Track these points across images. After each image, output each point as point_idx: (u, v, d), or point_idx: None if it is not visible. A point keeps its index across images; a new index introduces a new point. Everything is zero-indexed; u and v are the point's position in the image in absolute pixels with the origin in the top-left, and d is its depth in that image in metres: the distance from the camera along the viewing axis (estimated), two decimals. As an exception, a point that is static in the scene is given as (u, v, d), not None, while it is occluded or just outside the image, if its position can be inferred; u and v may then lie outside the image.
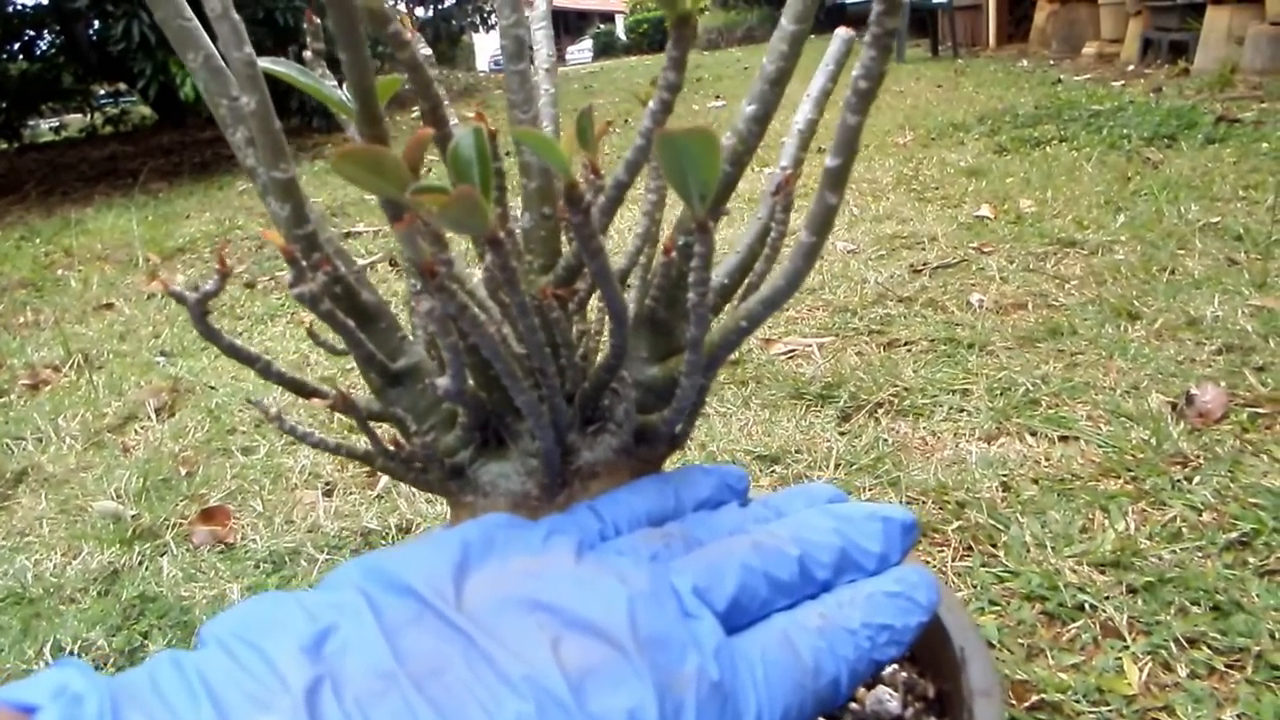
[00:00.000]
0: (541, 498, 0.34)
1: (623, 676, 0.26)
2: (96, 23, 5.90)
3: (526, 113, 0.33)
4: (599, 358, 0.34)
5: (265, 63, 0.32)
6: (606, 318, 0.36)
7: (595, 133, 0.33)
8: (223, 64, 0.32)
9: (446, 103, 0.34)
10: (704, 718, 0.26)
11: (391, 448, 0.34)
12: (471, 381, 0.33)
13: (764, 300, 0.31)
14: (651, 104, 0.28)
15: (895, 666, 0.41)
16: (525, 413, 0.31)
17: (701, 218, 0.27)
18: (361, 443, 0.37)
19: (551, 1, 0.44)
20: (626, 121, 5.08)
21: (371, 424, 0.36)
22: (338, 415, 1.38)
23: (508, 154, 0.38)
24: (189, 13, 0.31)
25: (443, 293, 0.26)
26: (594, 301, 0.41)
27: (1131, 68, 4.81)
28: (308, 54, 0.38)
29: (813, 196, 0.29)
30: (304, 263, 0.29)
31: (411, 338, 0.35)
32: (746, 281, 0.37)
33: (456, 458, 0.34)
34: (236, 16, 0.29)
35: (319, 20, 0.39)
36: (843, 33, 0.38)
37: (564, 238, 0.36)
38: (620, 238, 2.16)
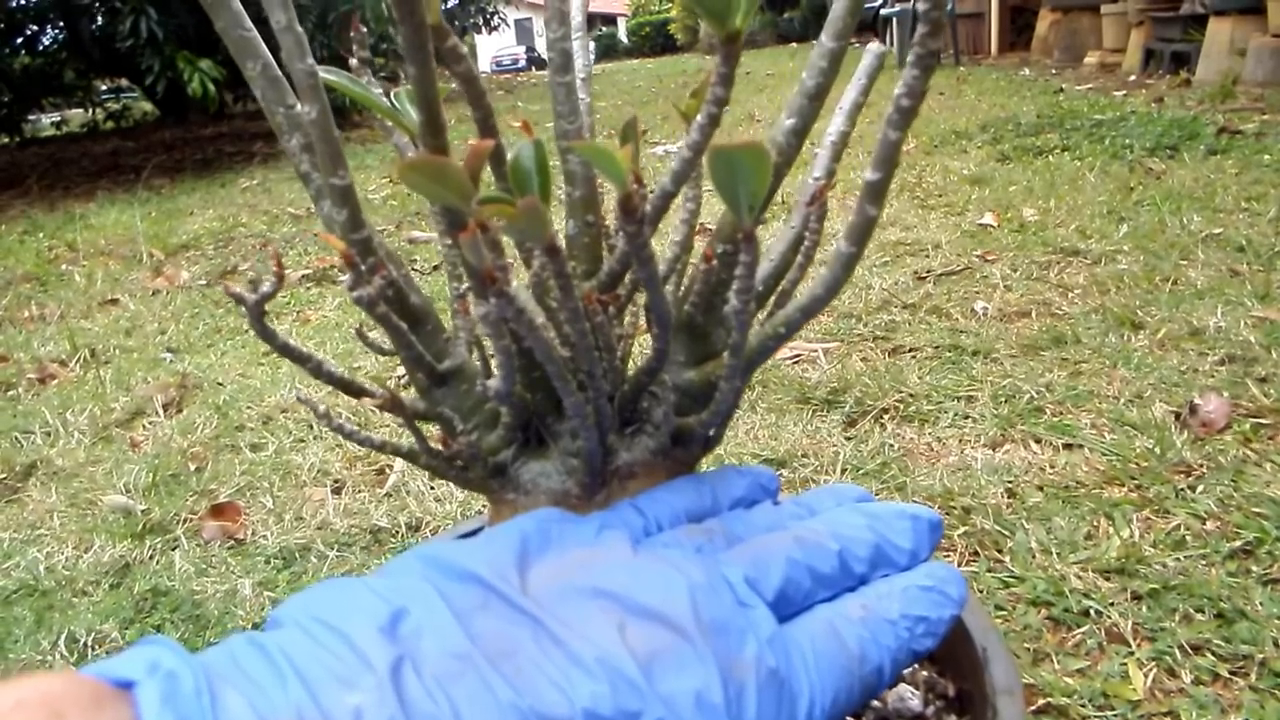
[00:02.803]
0: (581, 496, 0.35)
1: (688, 660, 0.27)
2: (99, 18, 5.92)
3: (573, 123, 0.34)
4: (639, 362, 0.35)
5: (320, 72, 0.33)
6: (643, 322, 0.37)
7: (638, 139, 0.34)
8: (279, 73, 0.33)
9: (452, 123, 0.35)
10: (763, 701, 0.27)
11: (437, 446, 0.35)
12: (516, 383, 0.34)
13: (802, 308, 0.32)
14: (699, 118, 0.29)
15: (916, 665, 0.42)
16: (571, 413, 0.32)
17: (749, 228, 0.28)
18: (382, 435, 0.38)
19: (587, 13, 0.45)
20: (629, 124, 5.08)
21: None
22: (351, 412, 1.39)
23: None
24: (248, 23, 0.32)
25: (501, 298, 0.27)
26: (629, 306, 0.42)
27: (1133, 78, 4.84)
28: (354, 61, 0.39)
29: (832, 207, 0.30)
30: (362, 266, 0.30)
31: (455, 339, 0.36)
32: (779, 289, 0.38)
33: (499, 456, 0.35)
34: (300, 29, 0.30)
35: (364, 29, 0.40)
36: (875, 48, 0.40)
37: (604, 245, 0.37)
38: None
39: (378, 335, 0.37)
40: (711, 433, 0.36)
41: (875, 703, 0.41)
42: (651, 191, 0.32)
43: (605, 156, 0.26)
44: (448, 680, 0.25)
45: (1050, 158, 2.83)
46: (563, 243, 0.32)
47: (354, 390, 0.35)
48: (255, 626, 0.93)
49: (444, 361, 0.35)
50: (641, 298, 0.35)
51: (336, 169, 0.30)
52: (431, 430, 0.39)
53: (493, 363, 0.36)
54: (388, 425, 1.34)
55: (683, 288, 0.38)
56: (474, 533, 0.47)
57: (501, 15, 10.08)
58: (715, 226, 0.35)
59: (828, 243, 1.47)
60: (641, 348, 0.36)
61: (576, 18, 0.43)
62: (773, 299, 0.38)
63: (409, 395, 0.36)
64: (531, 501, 0.35)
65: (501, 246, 0.28)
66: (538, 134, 0.35)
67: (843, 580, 0.33)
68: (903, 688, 0.41)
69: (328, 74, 0.34)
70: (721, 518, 0.35)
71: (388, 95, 0.38)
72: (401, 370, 1.49)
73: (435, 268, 2.33)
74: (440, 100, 0.28)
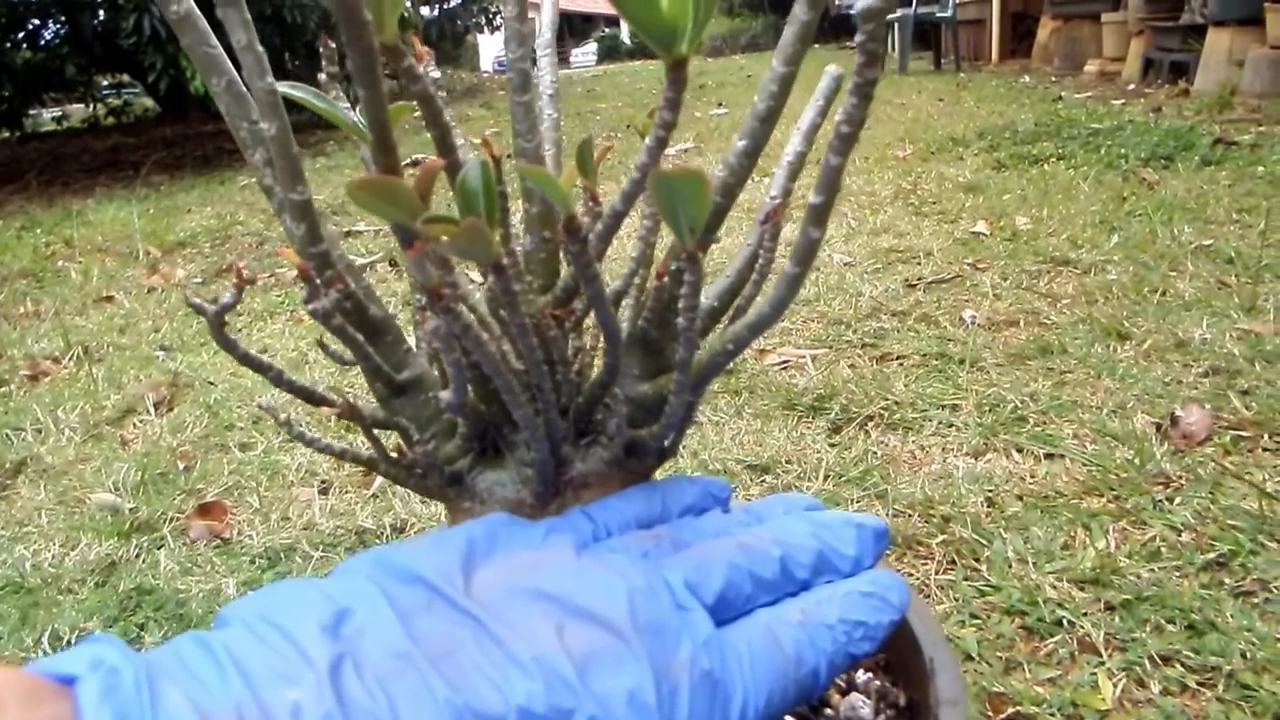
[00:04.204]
0: (535, 505, 0.36)
1: (623, 660, 0.28)
2: (101, 13, 5.92)
3: (530, 141, 0.35)
4: (593, 375, 0.36)
5: (284, 88, 0.34)
6: (601, 336, 0.38)
7: (595, 160, 0.35)
8: (244, 89, 0.33)
9: (454, 124, 0.35)
10: (696, 701, 0.28)
11: (394, 454, 0.36)
12: (471, 394, 0.34)
13: (750, 325, 0.33)
14: (648, 140, 0.30)
15: (869, 675, 0.43)
16: (522, 426, 0.32)
17: (691, 249, 0.29)
18: (359, 445, 0.39)
19: (556, 30, 0.45)
20: (629, 126, 5.10)
21: (370, 431, 0.38)
22: (332, 416, 1.40)
23: (511, 174, 0.40)
24: (214, 40, 0.33)
25: (448, 314, 0.27)
26: (589, 318, 0.42)
27: (1132, 87, 4.85)
28: (323, 76, 0.40)
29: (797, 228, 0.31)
30: (318, 280, 0.31)
31: (415, 350, 0.37)
32: (735, 304, 0.39)
33: (455, 465, 0.36)
34: (260, 48, 0.30)
35: (333, 44, 0.41)
36: (833, 70, 0.40)
37: (563, 259, 0.38)
38: (618, 251, 2.18)
39: (342, 346, 0.37)
40: (665, 444, 0.37)
41: (827, 710, 0.41)
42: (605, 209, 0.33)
43: (547, 181, 0.26)
44: (387, 679, 0.26)
45: (1045, 166, 2.84)
46: (514, 260, 0.33)
47: (314, 399, 0.36)
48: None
49: (403, 372, 0.36)
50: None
51: (295, 184, 0.31)
52: (394, 439, 0.39)
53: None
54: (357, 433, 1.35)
55: (639, 302, 0.39)
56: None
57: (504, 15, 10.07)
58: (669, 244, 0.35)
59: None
60: (601, 360, 0.36)
61: (546, 34, 0.44)
62: (729, 314, 0.39)
63: (369, 404, 0.37)
64: (487, 510, 0.36)
65: (451, 263, 0.28)
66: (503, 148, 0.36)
67: (784, 586, 0.34)
68: (855, 696, 0.41)
69: (293, 90, 0.35)
70: (670, 524, 0.36)
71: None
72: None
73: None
74: (390, 121, 0.29)
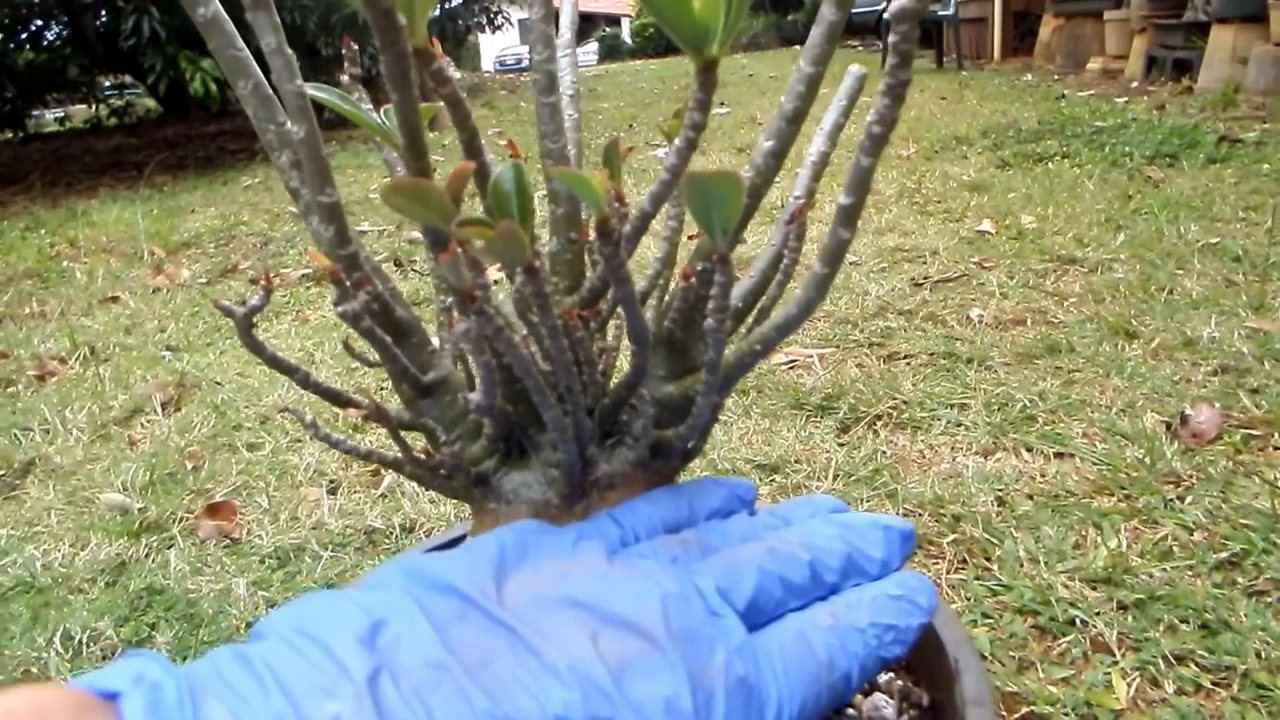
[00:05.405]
0: (561, 506, 0.36)
1: (658, 668, 0.28)
2: (103, 15, 5.93)
3: (556, 143, 0.35)
4: (620, 375, 0.36)
5: (310, 90, 0.34)
6: (626, 336, 0.38)
7: (619, 161, 0.35)
8: (271, 92, 0.33)
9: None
10: (732, 707, 0.28)
11: (421, 456, 0.36)
12: (498, 395, 0.35)
13: (777, 326, 0.33)
14: (678, 141, 0.30)
15: (891, 675, 0.43)
16: (550, 427, 0.32)
17: (723, 250, 0.29)
18: (376, 445, 0.39)
19: (575, 32, 0.45)
20: (631, 126, 5.10)
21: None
22: (343, 416, 1.40)
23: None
24: (240, 44, 0.33)
25: (481, 316, 0.27)
26: (612, 318, 0.42)
27: (1135, 84, 4.84)
28: (344, 78, 0.40)
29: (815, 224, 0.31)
30: (347, 282, 0.31)
31: (440, 351, 0.37)
32: (759, 305, 0.39)
33: (481, 466, 0.36)
34: (290, 51, 0.30)
35: (355, 46, 0.41)
36: (855, 70, 0.40)
37: (587, 260, 0.38)
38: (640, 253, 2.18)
39: (364, 347, 0.37)
40: (690, 445, 0.37)
41: (850, 710, 0.41)
42: (632, 210, 0.33)
43: (583, 184, 0.26)
44: (425, 689, 0.26)
45: (1050, 165, 2.84)
46: (543, 262, 0.33)
47: (340, 401, 0.36)
48: (248, 626, 0.94)
49: (429, 373, 0.36)
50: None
51: (324, 186, 0.31)
52: (418, 440, 0.39)
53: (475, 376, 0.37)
54: (379, 434, 1.35)
55: (664, 302, 0.39)
56: (456, 540, 0.48)
57: (505, 15, 10.07)
58: (695, 244, 0.35)
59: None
60: (625, 360, 0.36)
61: (565, 35, 0.44)
62: (753, 314, 0.39)
63: (394, 405, 0.37)
64: (513, 511, 0.36)
65: (482, 265, 0.28)
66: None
67: (814, 589, 0.34)
68: (877, 696, 0.41)
69: (317, 92, 0.35)
70: (698, 528, 0.36)
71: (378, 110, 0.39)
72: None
73: (435, 268, 2.33)
74: (423, 124, 0.29)
